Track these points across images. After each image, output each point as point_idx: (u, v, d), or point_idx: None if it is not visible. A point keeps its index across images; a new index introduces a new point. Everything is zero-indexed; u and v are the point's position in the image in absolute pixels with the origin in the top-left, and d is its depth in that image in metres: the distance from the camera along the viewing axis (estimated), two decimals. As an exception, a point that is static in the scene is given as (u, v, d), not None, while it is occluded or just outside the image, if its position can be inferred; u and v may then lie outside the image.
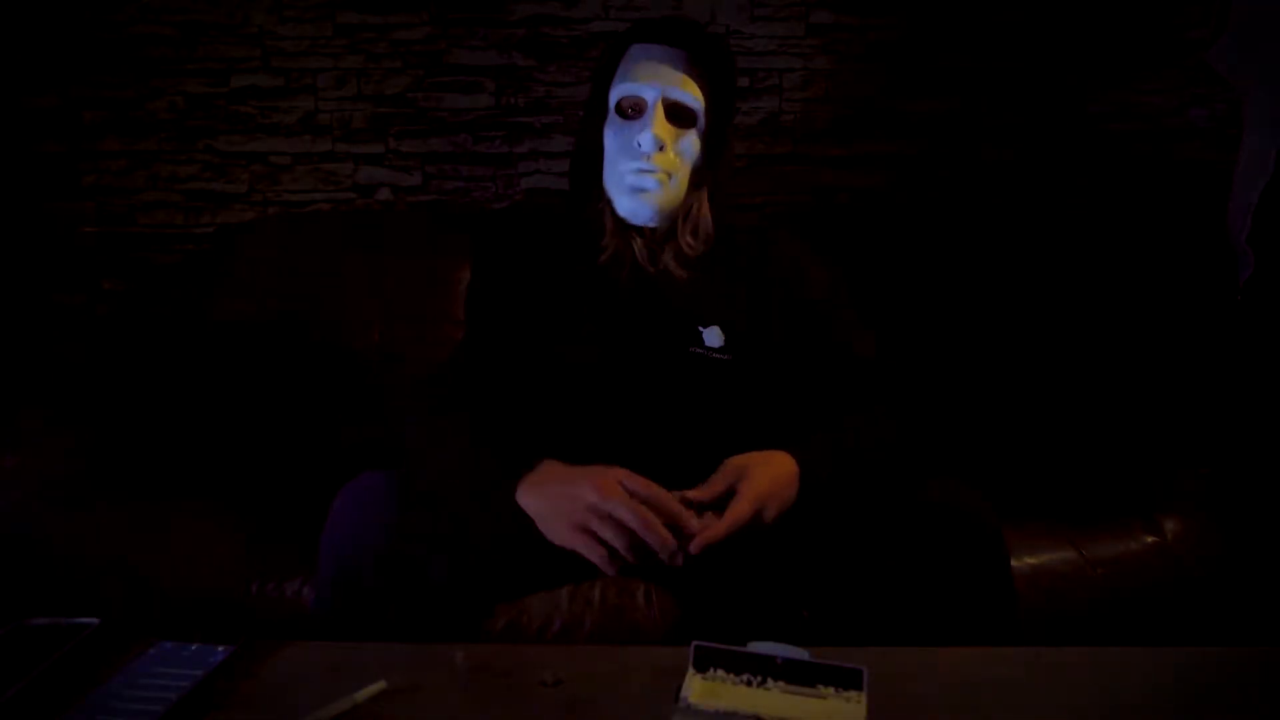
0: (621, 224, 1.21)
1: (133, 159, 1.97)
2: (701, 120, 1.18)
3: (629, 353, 1.18)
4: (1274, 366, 1.62)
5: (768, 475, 1.05)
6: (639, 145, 1.15)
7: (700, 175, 1.21)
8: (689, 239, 1.21)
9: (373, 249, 1.78)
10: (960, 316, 1.72)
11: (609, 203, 1.21)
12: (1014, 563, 1.29)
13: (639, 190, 1.17)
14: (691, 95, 1.17)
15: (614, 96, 1.19)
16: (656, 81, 1.16)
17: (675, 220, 1.21)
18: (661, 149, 1.15)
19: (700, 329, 1.19)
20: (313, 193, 1.99)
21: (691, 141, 1.18)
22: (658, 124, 1.15)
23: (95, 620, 0.91)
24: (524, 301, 1.22)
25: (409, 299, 1.73)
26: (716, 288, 1.22)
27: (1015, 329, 1.72)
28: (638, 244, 1.21)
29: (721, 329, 1.19)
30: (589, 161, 1.24)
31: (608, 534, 0.98)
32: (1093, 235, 1.87)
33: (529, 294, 1.23)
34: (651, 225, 1.20)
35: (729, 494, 1.04)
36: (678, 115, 1.17)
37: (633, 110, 1.19)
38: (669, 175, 1.16)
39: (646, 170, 1.15)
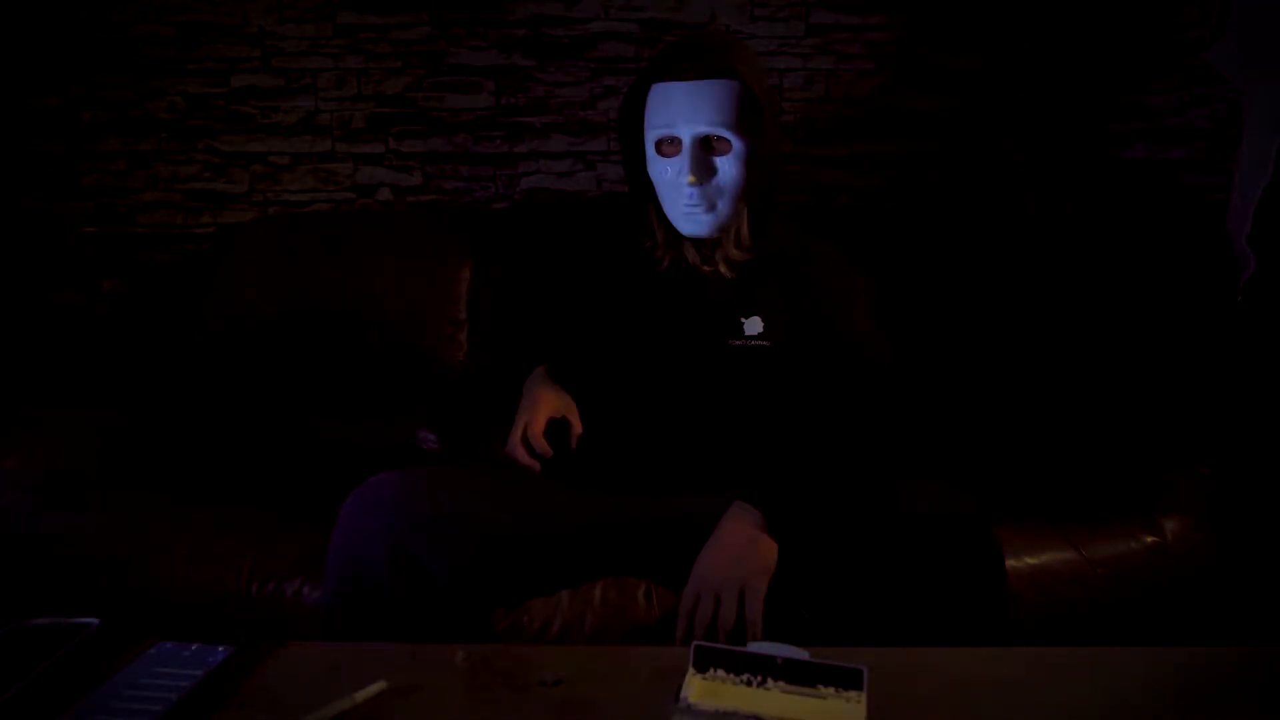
0: (676, 235, 1.30)
1: (133, 159, 1.97)
2: (735, 144, 1.22)
3: (676, 346, 1.26)
4: (1273, 367, 1.62)
5: (713, 559, 1.07)
6: (681, 184, 1.23)
7: (743, 190, 1.26)
8: (733, 249, 1.28)
9: (373, 249, 1.78)
10: (961, 316, 1.72)
11: (667, 221, 1.29)
12: (1014, 563, 1.29)
13: (691, 219, 1.25)
14: (719, 126, 1.21)
15: (650, 139, 1.26)
16: (684, 122, 1.21)
17: (724, 232, 1.28)
18: (702, 184, 1.22)
19: (741, 319, 1.27)
20: (313, 193, 1.99)
21: (728, 167, 1.23)
22: (694, 165, 1.21)
23: (95, 620, 0.91)
24: (582, 301, 1.33)
25: (409, 299, 1.73)
26: (759, 284, 1.30)
27: (1016, 329, 1.72)
28: (690, 251, 1.29)
29: (761, 319, 1.27)
30: (640, 195, 1.32)
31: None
32: (1093, 235, 1.87)
33: (587, 294, 1.33)
34: (713, 236, 1.28)
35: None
36: (711, 146, 1.23)
37: (670, 147, 1.25)
38: (713, 204, 1.24)
39: (693, 205, 1.23)
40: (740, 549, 1.07)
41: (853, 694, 0.79)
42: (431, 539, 1.05)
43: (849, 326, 1.30)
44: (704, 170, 1.21)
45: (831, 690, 0.79)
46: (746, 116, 1.22)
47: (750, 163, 1.24)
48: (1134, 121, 1.96)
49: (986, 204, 1.97)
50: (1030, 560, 1.31)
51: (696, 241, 1.29)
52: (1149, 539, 1.37)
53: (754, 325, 1.26)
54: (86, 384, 1.82)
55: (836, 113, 1.96)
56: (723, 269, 1.28)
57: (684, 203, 1.23)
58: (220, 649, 0.89)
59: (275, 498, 1.52)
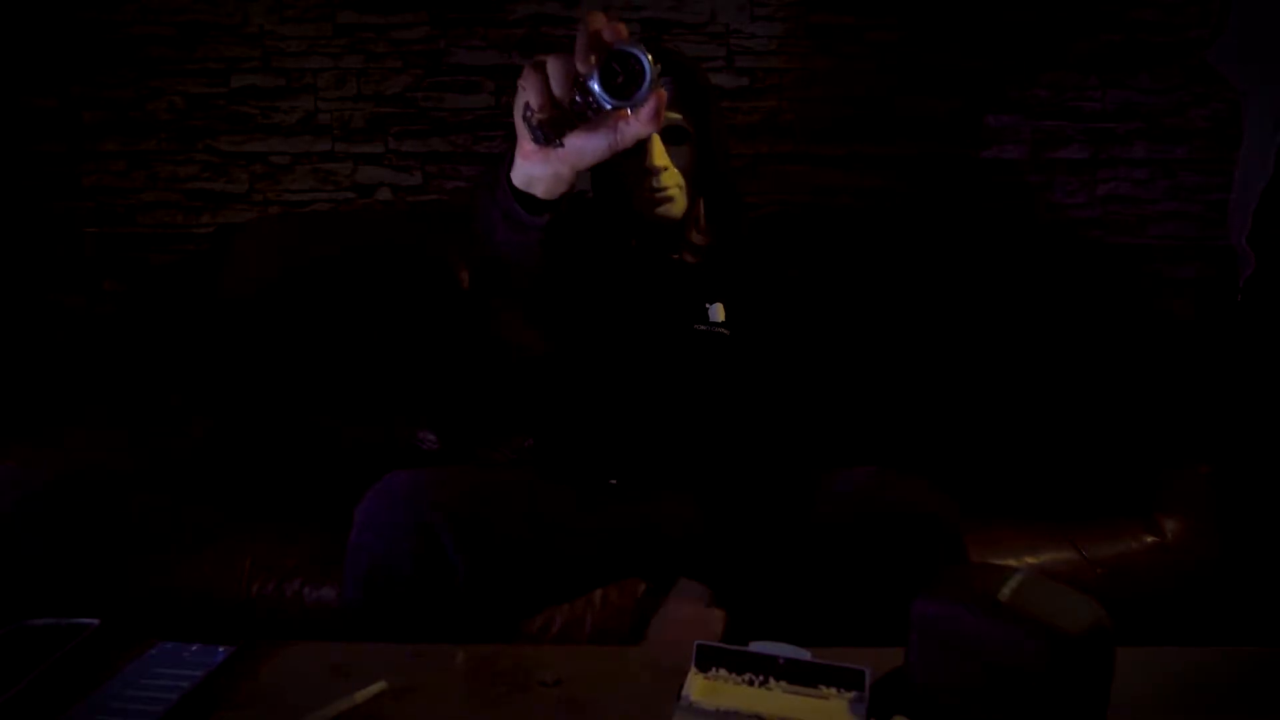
0: (646, 224, 1.32)
1: (133, 159, 1.97)
2: (690, 134, 1.30)
3: (643, 330, 1.30)
4: (1274, 367, 1.62)
5: (663, 634, 1.11)
6: (648, 172, 1.27)
7: (698, 179, 1.33)
8: (695, 234, 1.35)
9: (373, 249, 1.78)
10: (962, 316, 1.72)
11: (638, 213, 1.32)
12: (1014, 563, 1.29)
13: (659, 205, 1.29)
14: (676, 117, 1.29)
15: None
16: None
17: (687, 218, 1.33)
18: (667, 169, 1.27)
19: (706, 306, 1.31)
20: (313, 193, 1.99)
21: (686, 155, 1.30)
22: (657, 153, 1.27)
23: (95, 620, 0.90)
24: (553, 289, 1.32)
25: (409, 299, 1.73)
26: (726, 270, 1.34)
27: (1016, 329, 1.72)
28: (656, 238, 1.34)
29: (724, 306, 1.31)
30: (607, 174, 1.34)
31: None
32: (1096, 235, 1.87)
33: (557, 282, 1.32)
34: (674, 222, 1.32)
35: None
36: (671, 136, 1.29)
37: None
38: (679, 188, 1.30)
39: (659, 189, 1.27)
40: (693, 626, 1.11)
41: (854, 694, 0.79)
42: (458, 536, 1.05)
43: (817, 315, 1.36)
44: (664, 158, 1.27)
45: (833, 690, 0.79)
46: (697, 108, 1.30)
47: (700, 150, 1.31)
48: (1134, 121, 1.96)
49: (987, 203, 1.97)
50: (1030, 560, 1.31)
51: (662, 229, 1.32)
52: (1149, 539, 1.37)
53: (715, 312, 1.31)
54: (86, 384, 1.82)
55: (836, 113, 1.96)
56: (687, 256, 1.34)
57: (652, 190, 1.28)
58: (220, 649, 0.89)
59: (275, 498, 1.52)
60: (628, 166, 1.29)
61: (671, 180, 1.28)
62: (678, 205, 1.29)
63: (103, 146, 1.96)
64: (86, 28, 1.92)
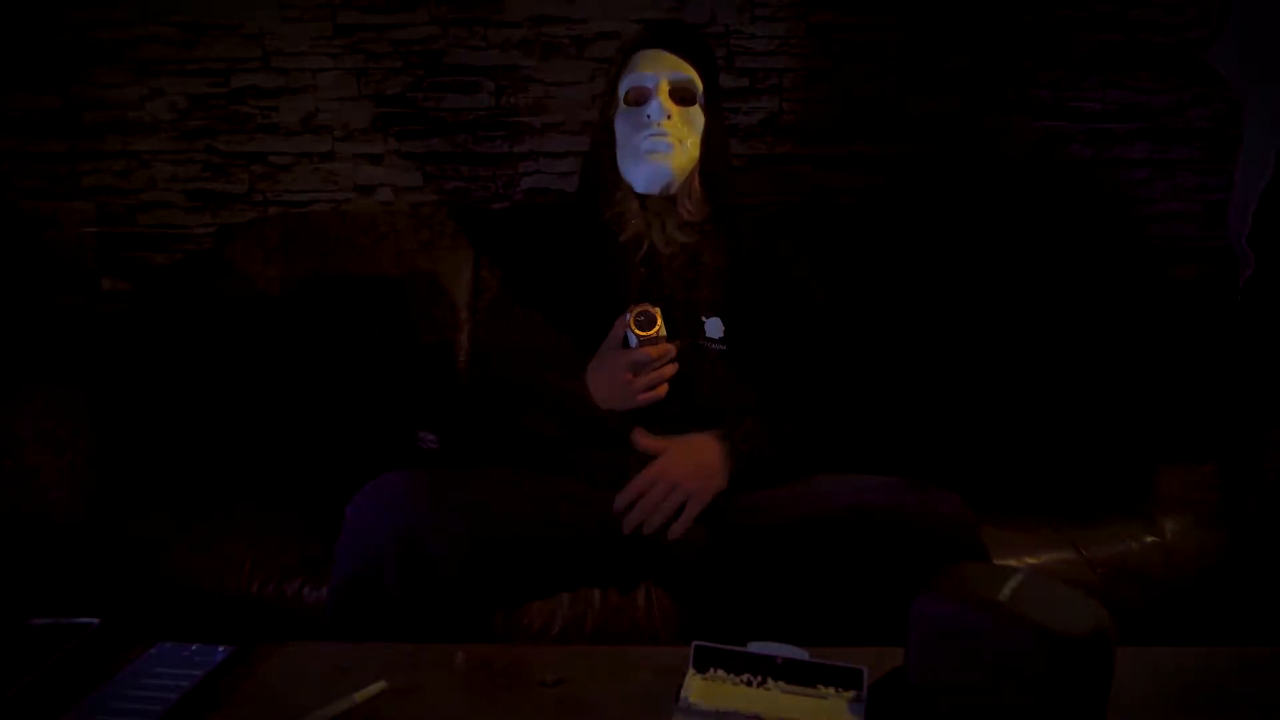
0: (643, 206, 1.32)
1: (133, 159, 1.97)
2: (700, 98, 1.32)
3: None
4: (1274, 366, 1.62)
5: (680, 459, 1.19)
6: (648, 117, 1.28)
7: (700, 146, 1.32)
8: (687, 205, 1.33)
9: (373, 250, 1.78)
10: (963, 315, 1.72)
11: (628, 187, 1.32)
12: (1014, 563, 1.29)
13: (651, 153, 1.28)
14: (689, 76, 1.31)
15: (622, 88, 1.34)
16: (658, 69, 1.31)
17: (678, 192, 1.32)
18: (669, 117, 1.28)
19: (703, 319, 1.29)
20: (313, 193, 1.99)
21: (695, 114, 1.31)
22: (663, 97, 1.29)
23: (95, 620, 0.91)
24: (542, 300, 1.35)
25: (409, 300, 1.73)
26: (720, 276, 1.33)
27: (1017, 328, 1.72)
28: (655, 226, 1.32)
29: (721, 321, 1.29)
30: (603, 160, 1.35)
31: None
32: (1093, 234, 1.87)
33: (546, 292, 1.35)
34: (668, 193, 1.31)
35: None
36: (679, 94, 1.31)
37: (639, 97, 1.32)
38: (679, 140, 1.29)
39: (657, 134, 1.28)
40: (705, 466, 1.19)
41: (853, 694, 0.79)
42: (440, 537, 1.05)
43: (811, 328, 1.36)
44: (671, 106, 1.29)
45: (831, 690, 0.79)
46: (709, 81, 1.34)
47: (709, 120, 1.32)
48: (1134, 121, 1.96)
49: (987, 203, 1.96)
50: (1030, 560, 1.31)
51: (659, 204, 1.31)
52: (1149, 539, 1.37)
53: (714, 327, 1.29)
54: (86, 384, 1.82)
55: (836, 113, 1.96)
56: (677, 234, 1.31)
57: (647, 133, 1.28)
58: (220, 649, 0.89)
59: (275, 498, 1.52)
60: (624, 121, 1.31)
61: (673, 128, 1.27)
62: (674, 157, 1.27)
63: (103, 146, 1.96)
64: (86, 27, 1.92)
